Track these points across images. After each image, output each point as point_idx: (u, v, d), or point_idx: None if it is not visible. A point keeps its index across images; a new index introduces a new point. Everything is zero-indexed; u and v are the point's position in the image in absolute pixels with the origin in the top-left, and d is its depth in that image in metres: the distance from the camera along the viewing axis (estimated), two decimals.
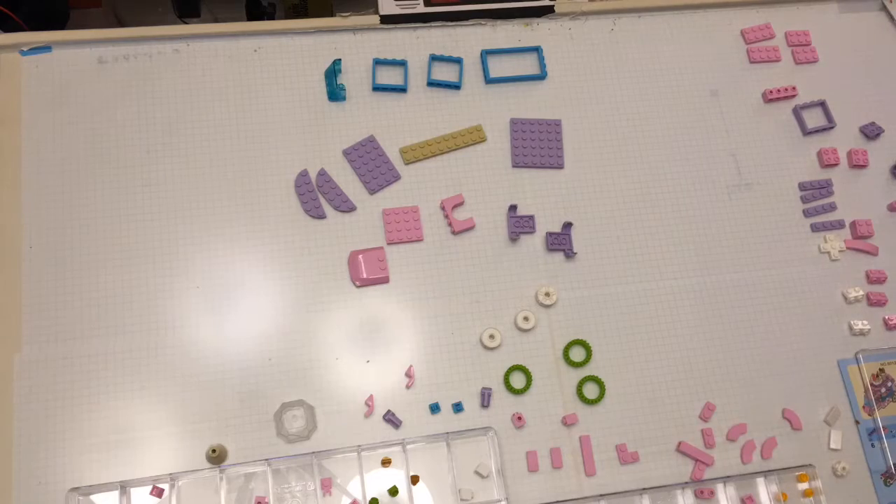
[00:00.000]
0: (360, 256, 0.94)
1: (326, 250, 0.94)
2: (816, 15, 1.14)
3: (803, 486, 0.89)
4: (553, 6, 1.09)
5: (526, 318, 0.93)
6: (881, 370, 0.95)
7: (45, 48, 1.00)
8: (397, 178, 0.97)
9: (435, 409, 0.89)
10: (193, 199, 0.95)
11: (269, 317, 0.91)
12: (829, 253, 1.00)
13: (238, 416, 0.87)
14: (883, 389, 0.94)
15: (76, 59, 1.00)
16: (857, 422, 0.93)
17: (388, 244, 0.95)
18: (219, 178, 0.96)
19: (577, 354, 0.93)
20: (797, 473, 0.89)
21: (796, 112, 1.07)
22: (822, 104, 1.07)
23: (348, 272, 0.94)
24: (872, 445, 0.92)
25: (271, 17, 1.58)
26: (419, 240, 0.96)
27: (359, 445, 0.86)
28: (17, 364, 0.87)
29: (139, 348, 0.88)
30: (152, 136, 0.97)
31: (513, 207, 0.97)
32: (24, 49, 0.99)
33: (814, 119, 1.07)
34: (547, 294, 0.94)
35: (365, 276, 0.93)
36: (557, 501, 0.87)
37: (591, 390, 0.92)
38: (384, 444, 0.86)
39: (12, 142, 0.95)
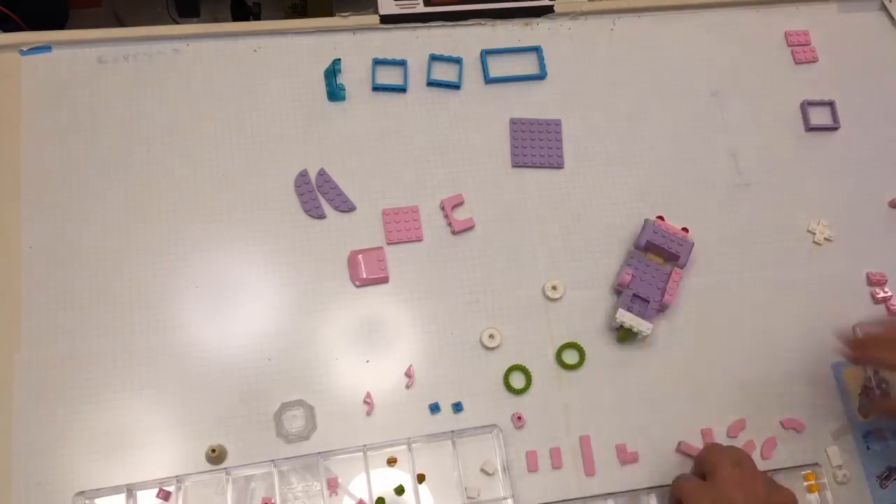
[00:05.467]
0: (360, 256, 0.94)
1: (326, 250, 0.94)
2: (816, 15, 1.14)
3: (807, 482, 0.89)
4: (553, 6, 1.09)
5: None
6: (876, 372, 0.95)
7: (45, 48, 1.00)
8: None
9: (435, 409, 0.89)
10: (193, 199, 0.95)
11: (269, 317, 0.91)
12: (824, 245, 1.00)
13: (238, 416, 0.87)
14: (878, 391, 0.94)
15: (76, 59, 1.00)
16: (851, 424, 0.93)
17: (388, 244, 0.95)
18: (219, 178, 0.96)
19: (571, 357, 0.93)
20: (803, 472, 0.89)
21: (803, 108, 1.07)
22: (831, 104, 1.07)
23: (348, 272, 0.94)
24: (868, 448, 0.92)
25: (257, 17, 1.59)
26: (419, 240, 0.96)
27: (364, 445, 0.86)
28: (17, 364, 0.87)
29: (139, 348, 0.88)
30: (152, 136, 0.97)
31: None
32: (24, 49, 0.99)
33: (818, 117, 1.07)
34: (554, 288, 0.94)
35: (364, 275, 0.93)
36: (563, 500, 0.87)
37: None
38: (390, 444, 0.86)
39: (12, 142, 0.95)
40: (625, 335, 0.92)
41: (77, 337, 0.88)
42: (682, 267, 0.94)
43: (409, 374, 0.90)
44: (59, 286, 0.90)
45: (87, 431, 0.85)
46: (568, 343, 0.93)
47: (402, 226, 0.96)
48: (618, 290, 0.94)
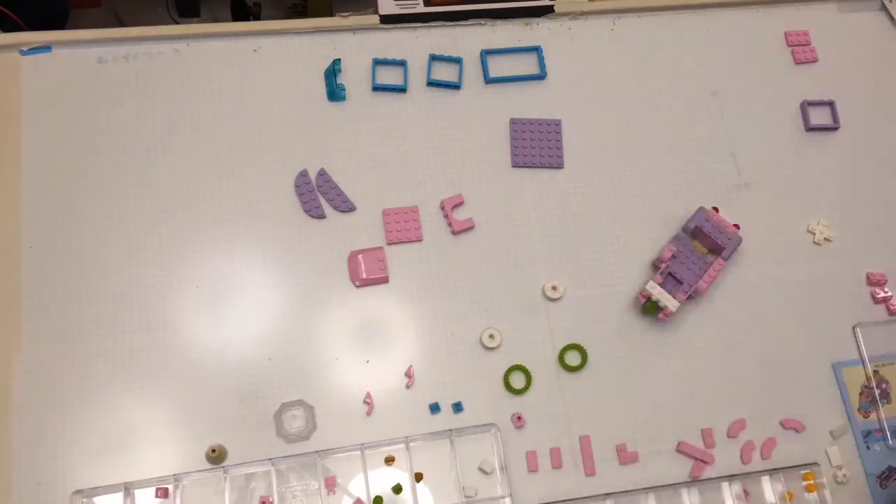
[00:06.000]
0: (360, 256, 0.94)
1: (326, 250, 0.94)
2: (816, 15, 1.14)
3: (807, 482, 0.89)
4: (553, 6, 1.09)
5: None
6: (876, 372, 0.95)
7: (45, 48, 1.00)
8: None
9: (435, 409, 0.89)
10: (193, 199, 0.95)
11: (269, 317, 0.91)
12: (824, 246, 1.00)
13: (238, 416, 0.87)
14: (878, 391, 0.94)
15: (76, 58, 1.00)
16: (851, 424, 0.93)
17: (388, 244, 0.95)
18: (218, 178, 0.96)
19: (573, 359, 0.93)
20: (802, 472, 0.89)
21: (803, 108, 1.07)
22: (832, 104, 1.07)
23: (348, 272, 0.94)
24: (868, 448, 0.92)
25: (257, 17, 1.58)
26: (419, 240, 0.96)
27: (362, 444, 0.86)
28: (17, 364, 0.87)
29: (139, 348, 0.88)
30: (152, 136, 0.97)
31: None
32: (24, 49, 0.99)
33: (818, 117, 1.07)
34: (553, 288, 0.94)
35: (364, 276, 0.93)
36: (562, 500, 0.87)
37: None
38: (388, 443, 0.86)
39: (12, 142, 0.95)
40: (651, 308, 0.93)
41: (77, 337, 0.88)
42: (725, 259, 0.95)
43: (409, 374, 0.90)
44: (59, 286, 0.90)
45: (87, 431, 0.85)
46: (571, 345, 0.93)
47: (402, 226, 0.96)
48: (655, 264, 0.96)
